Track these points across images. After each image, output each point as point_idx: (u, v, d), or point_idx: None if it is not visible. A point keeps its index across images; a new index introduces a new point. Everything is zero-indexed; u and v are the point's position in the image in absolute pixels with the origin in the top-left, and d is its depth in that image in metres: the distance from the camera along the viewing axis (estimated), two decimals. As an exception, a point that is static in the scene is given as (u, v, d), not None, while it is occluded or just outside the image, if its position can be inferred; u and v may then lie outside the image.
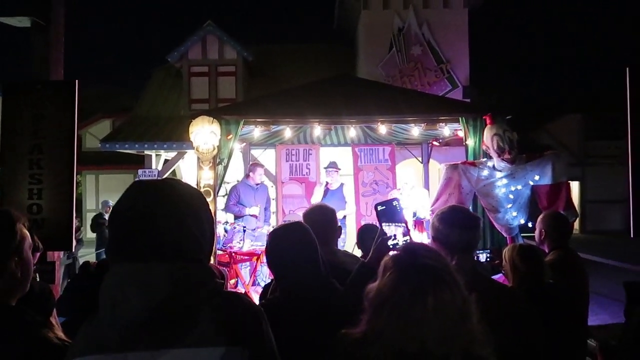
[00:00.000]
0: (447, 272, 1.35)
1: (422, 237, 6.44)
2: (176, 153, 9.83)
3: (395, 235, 1.83)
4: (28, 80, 4.97)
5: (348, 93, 5.55)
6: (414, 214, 6.34)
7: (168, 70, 12.27)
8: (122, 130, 10.38)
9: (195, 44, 11.27)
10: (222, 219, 6.94)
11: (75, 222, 8.02)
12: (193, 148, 5.25)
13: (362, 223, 8.15)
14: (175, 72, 11.91)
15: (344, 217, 7.01)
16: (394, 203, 1.88)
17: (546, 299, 2.63)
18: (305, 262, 1.86)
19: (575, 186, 19.01)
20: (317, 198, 6.98)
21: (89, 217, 17.71)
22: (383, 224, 1.83)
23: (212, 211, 5.18)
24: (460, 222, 2.08)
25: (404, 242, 1.82)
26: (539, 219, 3.42)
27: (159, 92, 11.95)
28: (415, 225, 6.44)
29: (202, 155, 5.23)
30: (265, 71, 12.13)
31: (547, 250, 3.34)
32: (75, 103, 4.65)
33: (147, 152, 9.66)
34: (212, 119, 5.16)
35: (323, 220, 2.58)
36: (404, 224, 1.84)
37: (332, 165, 7.02)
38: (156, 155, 10.08)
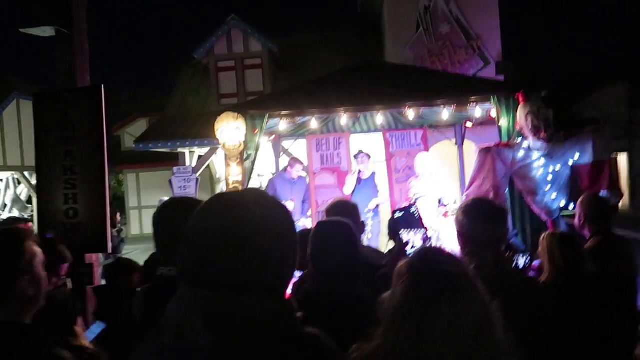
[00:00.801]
0: (465, 279, 1.25)
1: (448, 221, 6.22)
2: (209, 149, 9.92)
3: (414, 242, 1.75)
4: (56, 89, 5.09)
5: (372, 79, 5.42)
6: (439, 201, 6.09)
7: (196, 67, 12.35)
8: (154, 129, 10.55)
9: (220, 39, 11.29)
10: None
11: (117, 222, 8.16)
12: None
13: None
14: (202, 68, 11.99)
15: (377, 206, 6.87)
16: (412, 209, 1.81)
17: (585, 291, 2.48)
18: (345, 259, 1.86)
19: (623, 158, 18.11)
20: (349, 188, 6.88)
21: (132, 214, 18.38)
22: (401, 231, 1.76)
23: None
24: (485, 216, 1.97)
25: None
26: (578, 203, 3.23)
27: (188, 89, 12.07)
28: (445, 215, 6.23)
29: (229, 151, 5.23)
30: (291, 62, 12.04)
31: (588, 236, 3.16)
32: (103, 107, 4.73)
33: (180, 149, 9.78)
34: (236, 114, 5.15)
35: (346, 215, 2.52)
36: (423, 230, 1.75)
37: (359, 155, 6.87)
38: (190, 152, 10.20)
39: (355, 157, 7.05)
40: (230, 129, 5.14)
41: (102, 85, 4.80)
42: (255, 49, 11.28)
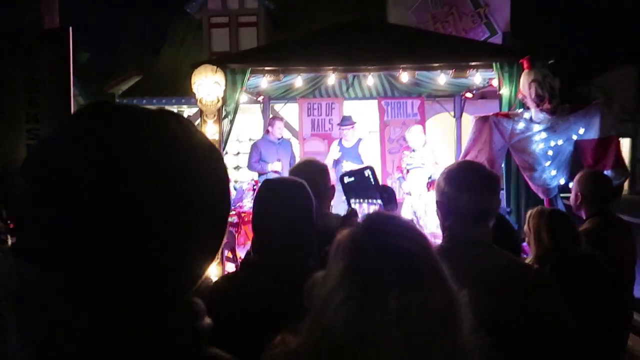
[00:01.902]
0: (426, 259, 0.88)
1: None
2: (198, 108, 9.53)
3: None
4: (18, 29, 4.67)
5: (365, 38, 4.99)
6: (430, 177, 5.80)
7: (189, 23, 11.82)
8: (141, 85, 10.11)
9: (214, -7, 10.75)
10: (232, 180, 6.60)
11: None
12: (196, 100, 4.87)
13: (388, 183, 7.69)
14: (196, 24, 11.46)
15: None
16: (366, 173, 1.40)
17: (576, 278, 2.15)
18: (289, 230, 1.52)
19: (626, 143, 17.71)
20: (332, 156, 6.50)
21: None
22: (351, 201, 1.36)
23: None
24: (472, 183, 1.60)
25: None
26: (574, 180, 2.90)
27: (180, 45, 11.57)
28: (429, 186, 5.92)
29: (206, 107, 4.84)
30: (289, 21, 11.49)
31: (584, 217, 2.83)
32: (70, 52, 4.34)
33: (167, 107, 9.34)
34: (215, 68, 4.74)
35: (311, 179, 2.15)
36: (379, 201, 1.36)
37: (347, 122, 6.42)
38: (178, 110, 9.79)
39: (339, 124, 6.62)
40: (208, 83, 4.73)
41: (71, 28, 4.39)
42: (250, 6, 10.76)
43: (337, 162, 6.27)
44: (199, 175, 0.61)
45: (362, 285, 0.84)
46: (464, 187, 1.61)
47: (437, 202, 1.71)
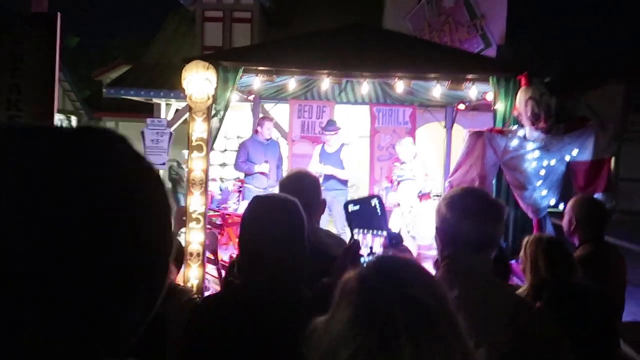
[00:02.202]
0: (443, 312, 0.79)
1: (429, 206, 5.87)
2: (186, 103, 9.34)
3: (372, 249, 1.25)
4: (5, 12, 4.48)
5: (362, 44, 4.89)
6: (419, 192, 5.75)
7: (183, 16, 11.63)
8: (129, 75, 9.88)
9: (210, -14, 10.55)
10: (217, 178, 6.45)
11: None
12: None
13: (375, 191, 7.60)
14: (190, 17, 11.26)
15: (346, 181, 6.32)
16: (373, 202, 1.29)
17: (572, 311, 2.09)
18: (280, 253, 1.43)
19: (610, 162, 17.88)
20: (314, 160, 6.37)
21: (107, 164, 17.68)
22: (355, 232, 1.25)
23: (205, 168, 4.68)
24: (476, 210, 1.51)
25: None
26: (568, 205, 2.84)
27: (173, 38, 11.38)
28: (420, 198, 5.85)
29: (195, 105, 4.66)
30: (284, 19, 11.36)
31: (577, 243, 2.78)
32: (57, 39, 4.14)
33: (155, 100, 9.16)
34: (207, 64, 4.56)
35: (302, 192, 2.05)
36: (385, 232, 1.25)
37: (331, 127, 6.24)
38: (166, 104, 9.60)
39: (323, 128, 6.43)
40: (199, 79, 4.56)
41: (59, 14, 4.21)
42: (246, 1, 10.60)
43: (326, 177, 6.09)
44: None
45: (373, 338, 0.74)
46: (467, 214, 1.52)
47: (437, 228, 1.62)
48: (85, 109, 17.34)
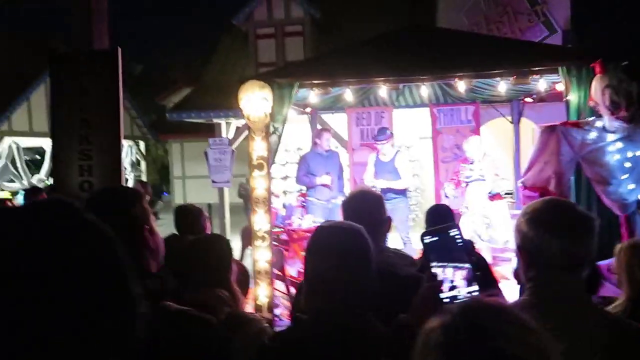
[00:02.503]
0: None
1: (502, 206, 5.57)
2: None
3: (453, 282, 1.15)
4: (71, 51, 4.77)
5: (418, 46, 4.77)
6: (490, 192, 5.47)
7: (235, 34, 11.92)
8: (190, 99, 10.25)
9: (260, 4, 10.79)
10: (280, 192, 6.50)
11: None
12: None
13: (441, 194, 7.36)
14: (242, 35, 11.55)
15: (405, 190, 6.17)
16: (452, 232, 1.19)
17: None
18: (346, 283, 1.38)
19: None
20: (369, 172, 6.25)
21: (176, 183, 18.52)
22: (433, 265, 1.16)
23: (267, 186, 4.72)
24: (564, 226, 1.37)
25: (467, 297, 1.13)
26: None
27: (227, 57, 11.69)
28: (492, 198, 5.57)
29: (254, 124, 4.73)
30: (335, 29, 11.36)
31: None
32: (119, 72, 4.36)
33: (215, 120, 9.43)
34: (262, 83, 4.63)
35: (366, 211, 1.99)
36: (467, 265, 1.15)
37: (382, 136, 6.11)
38: (226, 123, 9.85)
39: (375, 138, 6.29)
40: (255, 99, 4.62)
41: (119, 49, 4.42)
42: (296, 15, 10.72)
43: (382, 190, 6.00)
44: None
45: None
46: (552, 231, 1.38)
47: (518, 246, 1.49)
48: (152, 133, 18.22)
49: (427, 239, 1.20)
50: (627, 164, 4.05)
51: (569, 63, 4.32)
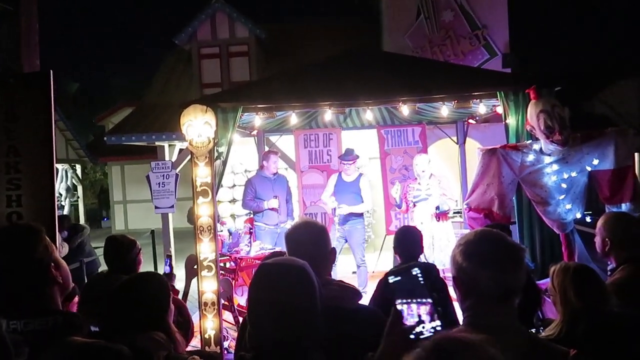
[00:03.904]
0: None
1: (447, 227, 5.76)
2: (190, 143, 9.42)
3: (420, 317, 1.22)
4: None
5: (362, 70, 4.92)
6: (437, 208, 5.66)
7: (179, 54, 11.84)
8: (130, 120, 10.02)
9: (203, 23, 10.77)
10: (228, 219, 6.44)
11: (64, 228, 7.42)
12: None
13: (392, 215, 7.53)
14: (186, 56, 11.48)
15: (362, 214, 6.31)
16: (414, 271, 1.27)
17: (607, 335, 2.00)
18: (291, 323, 1.41)
19: (635, 159, 17.58)
20: (328, 191, 6.34)
21: (116, 208, 17.88)
22: (398, 303, 1.24)
23: (212, 213, 4.67)
24: (495, 258, 1.46)
25: (432, 331, 1.20)
26: (599, 224, 2.74)
27: (171, 77, 11.55)
28: (438, 218, 5.75)
29: (197, 149, 4.67)
30: (282, 51, 11.50)
31: (614, 264, 2.67)
32: (51, 96, 4.20)
33: (157, 143, 9.25)
34: (205, 107, 4.59)
35: (310, 243, 2.01)
36: (429, 300, 1.23)
37: (349, 156, 6.26)
38: (169, 145, 9.67)
39: (341, 158, 6.44)
40: (198, 124, 4.58)
41: (52, 72, 4.29)
42: (241, 35, 10.76)
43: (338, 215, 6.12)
44: None
45: None
46: (485, 263, 1.46)
47: (453, 277, 1.57)
48: (89, 155, 17.60)
49: (392, 279, 1.27)
50: (564, 185, 4.30)
51: (506, 88, 4.57)
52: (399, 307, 1.24)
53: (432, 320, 1.22)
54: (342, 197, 6.14)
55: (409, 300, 1.24)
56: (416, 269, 1.26)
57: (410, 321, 1.22)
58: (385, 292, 1.43)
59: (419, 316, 1.23)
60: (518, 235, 4.64)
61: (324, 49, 9.95)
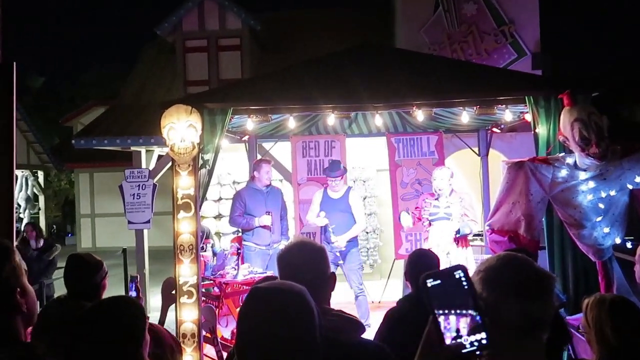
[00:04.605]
0: None
1: (467, 254, 5.77)
2: (170, 149, 9.47)
3: (458, 332, 1.22)
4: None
5: (371, 68, 4.97)
6: (457, 231, 5.65)
7: (161, 47, 11.95)
8: (102, 122, 10.07)
9: (190, 13, 10.85)
10: (213, 235, 6.45)
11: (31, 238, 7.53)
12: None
13: (402, 236, 7.54)
14: (169, 48, 11.58)
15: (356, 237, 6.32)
16: (457, 274, 1.26)
17: None
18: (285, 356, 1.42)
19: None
20: (314, 211, 6.36)
21: (83, 223, 17.85)
22: (436, 311, 1.23)
23: (194, 230, 4.68)
24: (520, 287, 1.48)
25: (477, 345, 1.19)
26: None
27: (151, 73, 11.64)
28: (457, 242, 5.75)
29: (179, 156, 4.73)
30: (279, 45, 11.59)
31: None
32: (14, 92, 4.27)
33: (133, 148, 9.29)
34: (190, 108, 4.65)
35: (307, 266, 2.02)
36: (473, 310, 1.22)
37: (336, 171, 6.28)
38: (147, 151, 9.71)
39: (326, 171, 6.43)
40: (181, 126, 4.63)
41: (15, 63, 4.35)
42: (233, 27, 10.83)
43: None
44: None
45: None
46: (508, 291, 1.48)
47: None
48: (54, 160, 17.63)
49: (430, 283, 1.25)
50: (601, 205, 4.32)
51: (536, 92, 4.61)
52: (439, 317, 1.23)
53: (474, 333, 1.21)
54: (330, 216, 6.15)
55: (448, 310, 1.22)
56: (460, 271, 1.25)
57: (448, 336, 1.21)
58: (420, 297, 1.43)
59: (458, 330, 1.22)
60: (547, 263, 4.65)
61: (328, 43, 10.04)
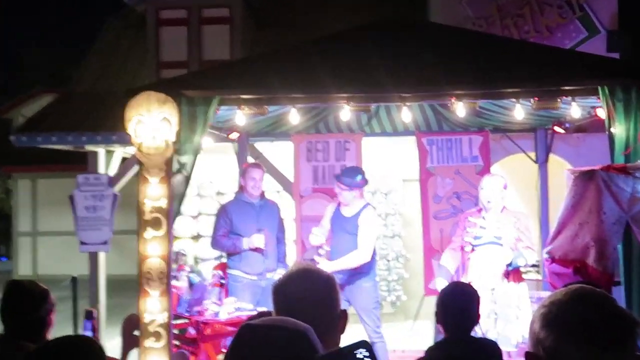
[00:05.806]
0: None
1: (520, 290, 5.71)
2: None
3: None
4: None
5: (397, 48, 5.00)
6: (510, 264, 5.54)
7: (127, 20, 12.03)
8: (51, 113, 10.16)
9: (166, -24, 11.00)
10: (190, 259, 6.49)
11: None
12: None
13: (434, 266, 7.51)
14: (137, 21, 11.65)
15: (371, 264, 6.24)
16: (359, 354, 1.31)
17: None
18: None
19: None
20: (324, 226, 6.24)
21: (21, 243, 17.95)
22: None
23: (165, 254, 4.71)
24: (592, 332, 1.46)
25: None
26: None
27: (113, 53, 11.72)
28: (508, 276, 5.65)
29: (148, 158, 4.79)
30: (279, 18, 11.65)
31: None
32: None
33: (89, 147, 9.38)
34: (164, 96, 4.72)
35: (311, 300, 2.03)
36: None
37: (351, 178, 6.00)
38: (107, 151, 9.81)
39: (338, 178, 6.28)
40: (152, 120, 4.69)
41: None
42: (220, -7, 10.97)
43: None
44: None
45: None
46: (573, 333, 1.47)
47: (526, 353, 1.59)
48: (-14, 163, 17.81)
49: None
50: (696, 228, 4.34)
51: (612, 81, 4.63)
52: None
53: None
54: (335, 238, 6.10)
55: None
56: (362, 349, 1.29)
57: None
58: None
59: None
60: (624, 302, 4.65)
61: (342, 17, 10.11)
